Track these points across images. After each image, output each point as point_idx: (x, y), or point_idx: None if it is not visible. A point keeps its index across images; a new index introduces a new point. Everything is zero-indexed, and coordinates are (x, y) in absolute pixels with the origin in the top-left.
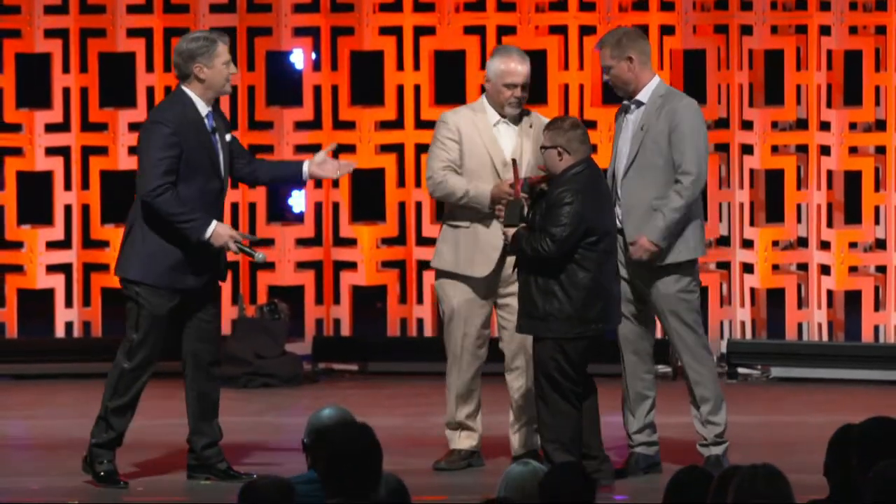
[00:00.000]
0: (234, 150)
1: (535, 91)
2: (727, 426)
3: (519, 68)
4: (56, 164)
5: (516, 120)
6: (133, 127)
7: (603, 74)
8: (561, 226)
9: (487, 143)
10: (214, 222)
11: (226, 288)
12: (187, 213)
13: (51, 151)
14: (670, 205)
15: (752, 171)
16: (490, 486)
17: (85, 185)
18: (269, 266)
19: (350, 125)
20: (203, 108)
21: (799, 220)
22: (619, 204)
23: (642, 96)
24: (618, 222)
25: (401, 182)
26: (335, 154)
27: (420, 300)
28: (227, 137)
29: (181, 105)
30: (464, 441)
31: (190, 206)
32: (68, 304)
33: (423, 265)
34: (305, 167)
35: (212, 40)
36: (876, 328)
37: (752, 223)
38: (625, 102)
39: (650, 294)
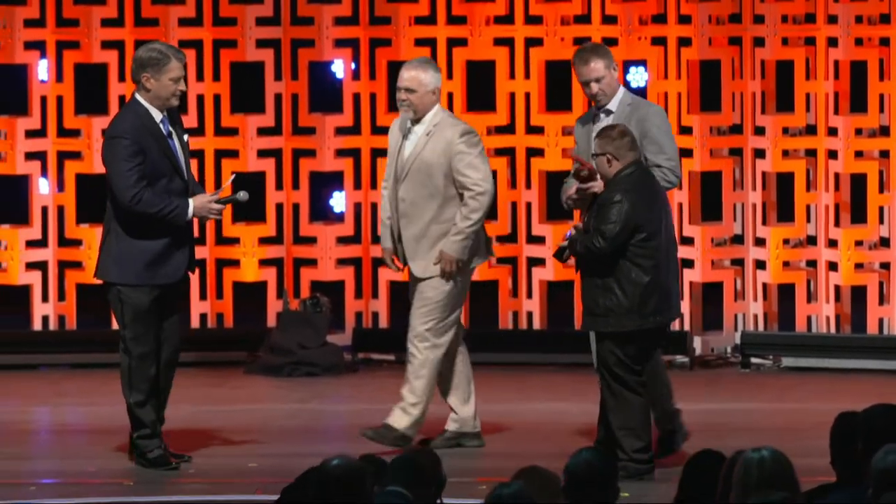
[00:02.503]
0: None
1: (560, 98)
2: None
3: (403, 73)
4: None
5: (421, 127)
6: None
7: (586, 87)
8: (611, 223)
9: (394, 149)
10: (190, 202)
11: (271, 283)
12: (168, 204)
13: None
14: (666, 178)
15: (764, 174)
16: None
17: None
18: (312, 262)
19: (387, 130)
20: (156, 115)
21: (808, 220)
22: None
23: (612, 105)
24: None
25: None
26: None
27: None
28: (185, 138)
29: (135, 114)
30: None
31: (165, 198)
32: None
33: None
34: (201, 197)
35: (166, 55)
36: (880, 321)
37: (764, 223)
38: (594, 111)
39: None
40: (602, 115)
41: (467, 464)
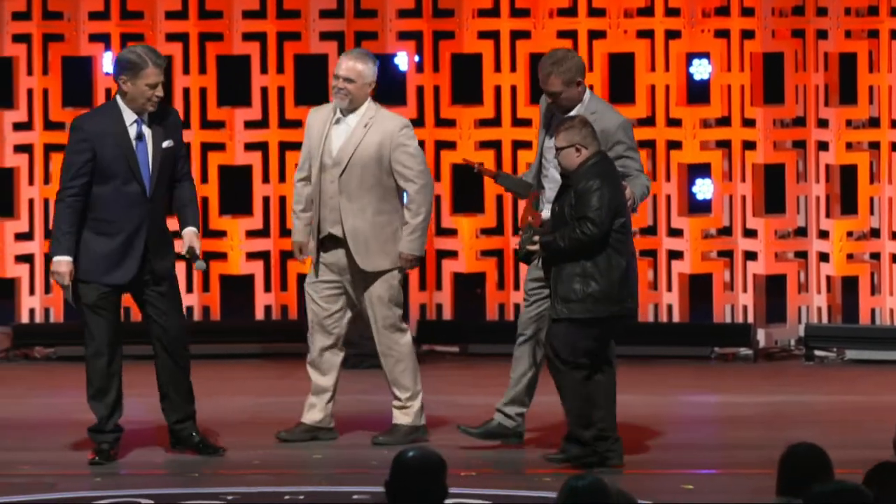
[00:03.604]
0: (176, 158)
1: (622, 92)
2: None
3: (341, 63)
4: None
5: (355, 118)
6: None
7: (548, 95)
8: (597, 209)
9: (319, 138)
10: (64, 259)
11: None
12: (60, 232)
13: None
14: (642, 181)
15: (827, 167)
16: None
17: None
18: None
19: (451, 123)
20: (129, 117)
21: (871, 212)
22: (543, 200)
23: (576, 111)
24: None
25: None
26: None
27: (517, 287)
28: (166, 144)
29: (102, 114)
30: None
31: (102, 208)
32: (188, 290)
33: None
34: (185, 238)
35: (144, 60)
36: None
37: (827, 215)
38: (552, 109)
39: None
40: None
41: (530, 455)
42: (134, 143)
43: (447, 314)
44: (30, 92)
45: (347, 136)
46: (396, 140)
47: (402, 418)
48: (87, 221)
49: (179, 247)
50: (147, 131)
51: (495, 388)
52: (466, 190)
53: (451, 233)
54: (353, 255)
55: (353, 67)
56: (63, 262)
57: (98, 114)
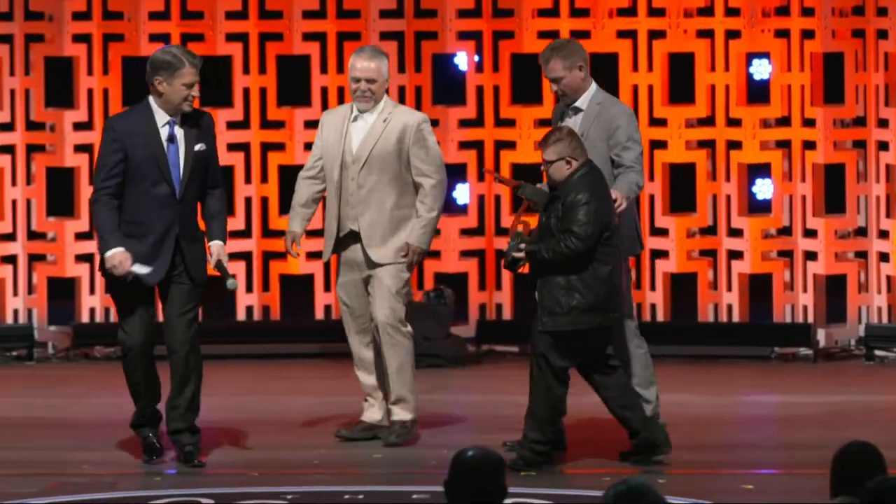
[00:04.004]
0: (207, 161)
1: (682, 92)
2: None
3: (358, 64)
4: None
5: (372, 114)
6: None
7: (551, 84)
8: (584, 224)
9: (338, 137)
10: (116, 249)
11: None
12: (104, 230)
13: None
14: (633, 178)
15: (888, 166)
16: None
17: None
18: (436, 255)
19: (510, 123)
20: (161, 118)
21: None
22: None
23: (581, 103)
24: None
25: None
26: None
27: None
28: (198, 147)
29: (136, 114)
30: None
31: (133, 209)
32: (248, 289)
33: None
34: (213, 252)
35: (180, 60)
36: None
37: (888, 215)
38: (563, 107)
39: None
40: (571, 113)
41: (592, 454)
42: (165, 144)
43: (507, 314)
44: (90, 92)
45: (367, 131)
46: (416, 134)
47: (402, 414)
48: (123, 224)
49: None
50: (179, 133)
51: None
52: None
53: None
54: (366, 247)
55: (371, 67)
56: (117, 253)
57: (130, 114)
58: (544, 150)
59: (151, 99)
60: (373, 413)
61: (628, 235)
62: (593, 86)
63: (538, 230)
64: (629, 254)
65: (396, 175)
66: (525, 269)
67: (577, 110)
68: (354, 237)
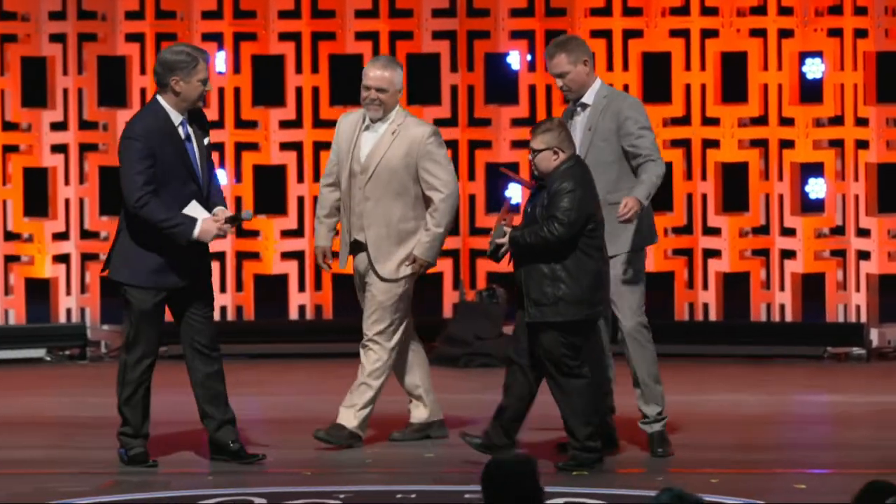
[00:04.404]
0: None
1: (736, 90)
2: (665, 404)
3: (371, 73)
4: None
5: (383, 124)
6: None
7: (556, 80)
8: (567, 211)
9: (348, 145)
10: (199, 221)
11: (447, 274)
12: (172, 219)
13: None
14: (653, 170)
15: None
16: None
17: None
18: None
19: None
20: (176, 118)
21: None
22: None
23: (587, 98)
24: None
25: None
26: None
27: None
28: (206, 140)
29: (153, 116)
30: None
31: (173, 210)
32: (301, 288)
33: None
34: (219, 213)
35: (194, 57)
36: None
37: None
38: (571, 106)
39: None
40: (579, 109)
41: (642, 456)
42: (185, 143)
43: None
44: (143, 91)
45: (375, 142)
46: (424, 148)
47: (349, 419)
48: (142, 228)
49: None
50: (190, 130)
51: (617, 387)
52: None
53: None
54: (373, 261)
55: (383, 77)
56: (203, 223)
57: (147, 117)
58: (533, 139)
59: (162, 99)
60: (419, 413)
61: (647, 225)
62: (598, 81)
63: (523, 220)
64: (647, 243)
65: (403, 188)
66: (507, 260)
67: (584, 106)
68: (359, 246)
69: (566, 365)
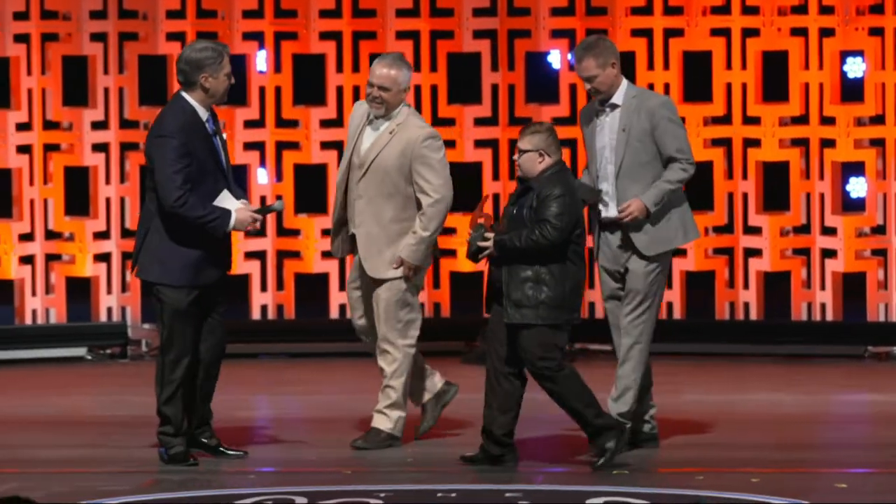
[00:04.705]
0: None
1: (776, 89)
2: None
3: (376, 70)
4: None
5: (385, 122)
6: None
7: (585, 83)
8: (560, 215)
9: (353, 136)
10: (233, 213)
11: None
12: (210, 214)
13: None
14: (669, 176)
15: None
16: None
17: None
18: None
19: None
20: (203, 114)
21: None
22: (615, 202)
23: (616, 99)
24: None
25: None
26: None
27: (670, 285)
28: (224, 135)
29: (184, 113)
30: None
31: (207, 205)
32: (342, 287)
33: (674, 252)
34: (244, 205)
35: (219, 52)
36: None
37: None
38: (596, 106)
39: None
40: (608, 110)
41: (684, 454)
42: (213, 139)
43: (599, 312)
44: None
45: (374, 140)
46: (418, 151)
47: (383, 423)
48: (175, 227)
49: None
50: (215, 126)
51: (658, 386)
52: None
53: None
54: (363, 260)
55: (387, 75)
56: (238, 212)
57: (179, 114)
58: (521, 139)
59: (187, 96)
60: (433, 382)
61: (682, 222)
62: (625, 81)
63: (507, 221)
64: (685, 240)
65: (396, 188)
66: (485, 262)
67: (614, 106)
68: (355, 241)
69: (546, 367)
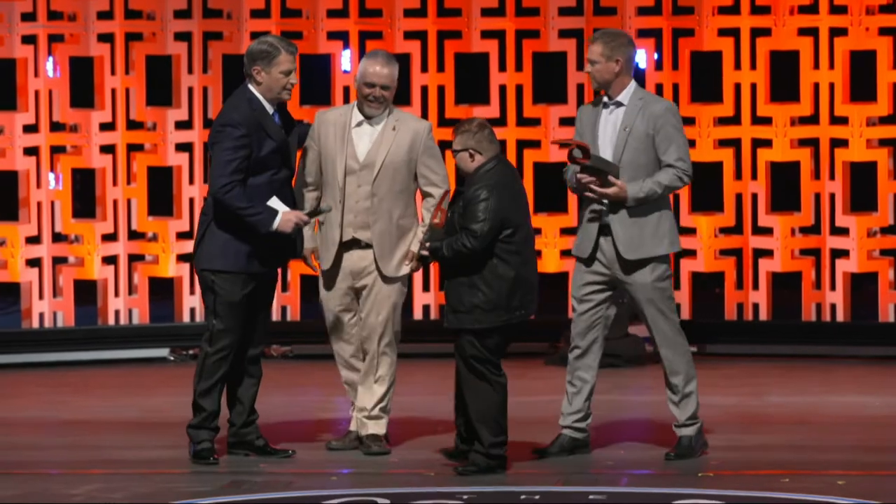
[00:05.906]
0: (300, 137)
1: (865, 89)
2: (698, 407)
3: (376, 70)
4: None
5: (379, 120)
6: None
7: (587, 62)
8: (480, 222)
9: (340, 142)
10: (279, 213)
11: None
12: (253, 208)
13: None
14: (663, 179)
15: None
16: None
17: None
18: None
19: (690, 121)
20: (269, 107)
21: None
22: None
23: (622, 98)
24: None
25: (738, 174)
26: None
27: (756, 286)
28: (290, 133)
29: (247, 104)
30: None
31: (258, 198)
32: (425, 287)
33: (759, 253)
34: (292, 211)
35: (276, 48)
36: None
37: None
38: (604, 100)
39: (628, 285)
40: (613, 107)
41: (770, 456)
42: (280, 131)
43: (685, 314)
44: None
45: (375, 138)
46: (425, 142)
47: (375, 428)
48: (230, 216)
49: None
50: (280, 122)
51: (732, 388)
52: (706, 187)
53: (690, 231)
54: (378, 259)
55: (388, 74)
56: (284, 214)
57: (243, 107)
58: (453, 139)
59: (253, 89)
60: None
61: (669, 232)
62: (633, 83)
63: (446, 225)
64: (669, 251)
65: (405, 185)
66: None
67: (619, 104)
68: (355, 244)
69: (482, 371)
